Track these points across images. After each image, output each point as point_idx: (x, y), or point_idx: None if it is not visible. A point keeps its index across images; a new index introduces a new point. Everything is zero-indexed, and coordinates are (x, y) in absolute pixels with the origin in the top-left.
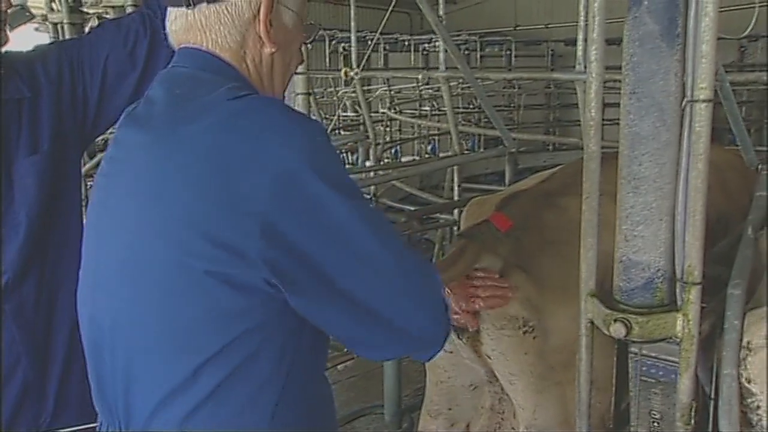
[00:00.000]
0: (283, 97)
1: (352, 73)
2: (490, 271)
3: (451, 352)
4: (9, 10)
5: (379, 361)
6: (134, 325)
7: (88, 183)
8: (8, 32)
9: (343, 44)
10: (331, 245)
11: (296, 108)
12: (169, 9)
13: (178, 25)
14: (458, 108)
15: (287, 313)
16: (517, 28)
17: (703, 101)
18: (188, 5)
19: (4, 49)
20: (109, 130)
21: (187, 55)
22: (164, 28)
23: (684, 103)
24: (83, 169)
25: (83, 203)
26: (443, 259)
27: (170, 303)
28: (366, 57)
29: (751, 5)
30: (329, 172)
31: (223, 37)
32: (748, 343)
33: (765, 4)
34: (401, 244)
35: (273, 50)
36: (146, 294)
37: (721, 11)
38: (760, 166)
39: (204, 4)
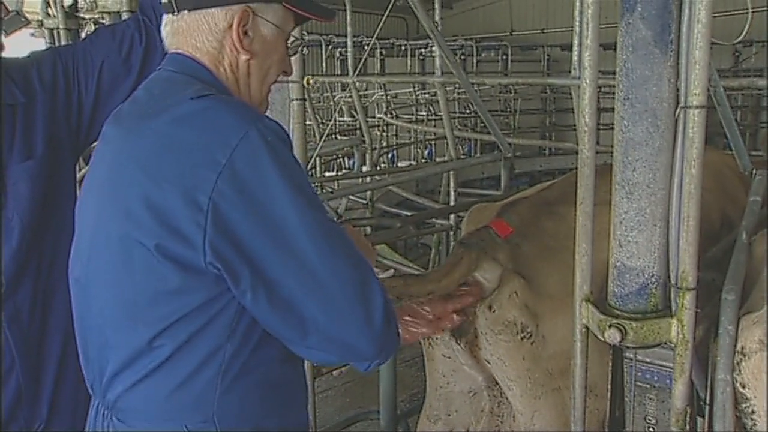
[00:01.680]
0: (267, 102)
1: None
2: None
3: (450, 358)
4: (5, 17)
5: (320, 365)
6: (100, 297)
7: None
8: (3, 39)
9: (339, 49)
10: (273, 245)
11: (291, 113)
12: (163, 14)
13: (167, 30)
14: (454, 113)
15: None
16: (513, 33)
17: (697, 107)
18: (172, 12)
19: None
20: None
21: (172, 60)
22: (159, 34)
23: (678, 109)
24: (78, 175)
25: None
26: (441, 266)
27: (125, 278)
28: (362, 62)
29: (745, 10)
30: (278, 174)
31: (201, 42)
32: (742, 348)
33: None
34: (346, 254)
35: (247, 58)
36: (106, 268)
37: (715, 16)
38: (754, 171)
39: (186, 12)
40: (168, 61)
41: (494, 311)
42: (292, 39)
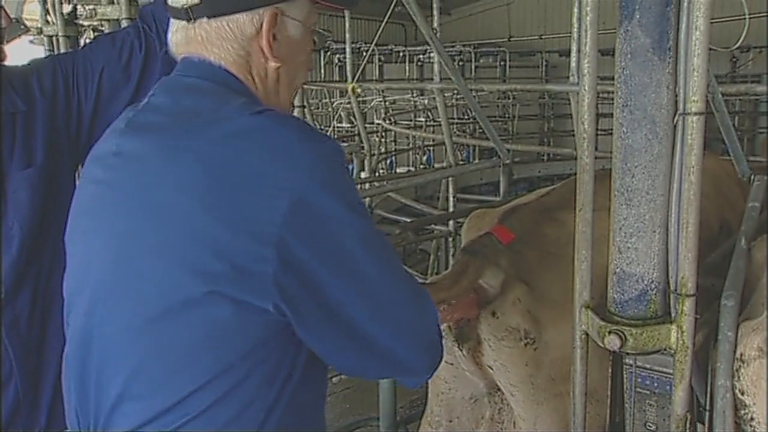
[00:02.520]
0: (292, 107)
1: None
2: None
3: (452, 364)
4: (6, 26)
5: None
6: (124, 343)
7: None
8: (5, 47)
9: (338, 55)
10: (339, 273)
11: None
12: (171, 20)
13: (178, 37)
14: (453, 119)
15: (284, 335)
16: (511, 39)
17: (695, 114)
18: (189, 19)
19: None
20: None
21: (191, 65)
22: (159, 42)
23: (676, 116)
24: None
25: None
26: (447, 274)
27: (165, 324)
28: (361, 68)
29: (742, 17)
30: (340, 197)
31: (226, 51)
32: (741, 354)
33: (756, 15)
34: (400, 270)
35: (277, 65)
36: (139, 312)
37: (713, 22)
38: (752, 177)
39: (204, 20)
40: (186, 66)
41: (498, 317)
42: (314, 30)
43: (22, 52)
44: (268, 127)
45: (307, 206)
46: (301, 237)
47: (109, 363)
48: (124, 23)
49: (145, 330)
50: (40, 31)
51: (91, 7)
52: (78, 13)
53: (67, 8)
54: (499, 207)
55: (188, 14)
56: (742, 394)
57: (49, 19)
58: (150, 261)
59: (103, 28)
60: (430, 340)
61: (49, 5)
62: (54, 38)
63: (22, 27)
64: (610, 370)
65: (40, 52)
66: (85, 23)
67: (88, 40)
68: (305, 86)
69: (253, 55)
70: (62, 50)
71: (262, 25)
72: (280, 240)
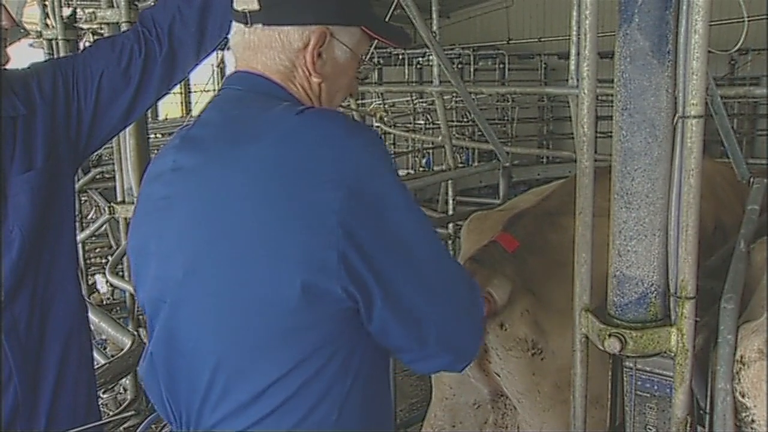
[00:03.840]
0: None
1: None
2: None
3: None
4: (9, 29)
5: (423, 374)
6: (209, 341)
7: (82, 198)
8: (7, 51)
9: None
10: (395, 256)
11: None
12: (233, 22)
13: (236, 40)
14: (452, 121)
15: (353, 327)
16: (510, 42)
17: (695, 117)
18: (246, 23)
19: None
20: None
21: (238, 78)
22: (159, 46)
23: (676, 119)
24: (77, 185)
25: (76, 219)
26: None
27: (243, 318)
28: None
29: (741, 19)
30: (391, 184)
31: (272, 60)
32: (741, 357)
33: (755, 17)
34: (450, 258)
35: (319, 81)
36: (220, 309)
37: (711, 25)
38: (751, 179)
39: (260, 26)
40: (235, 80)
41: (506, 329)
42: (363, 61)
43: (21, 55)
44: (313, 124)
45: (360, 192)
46: (359, 220)
47: (198, 359)
48: (124, 27)
49: (227, 325)
50: (39, 35)
51: (90, 10)
52: (77, 16)
53: (66, 12)
54: (498, 208)
55: (246, 18)
56: (743, 396)
57: (48, 22)
58: (225, 264)
59: (103, 32)
60: (478, 320)
61: (48, 9)
62: (53, 41)
63: (22, 30)
64: (610, 373)
65: (39, 55)
66: (85, 27)
67: (87, 44)
68: None
69: (298, 68)
70: (62, 54)
71: (309, 41)
72: (340, 226)
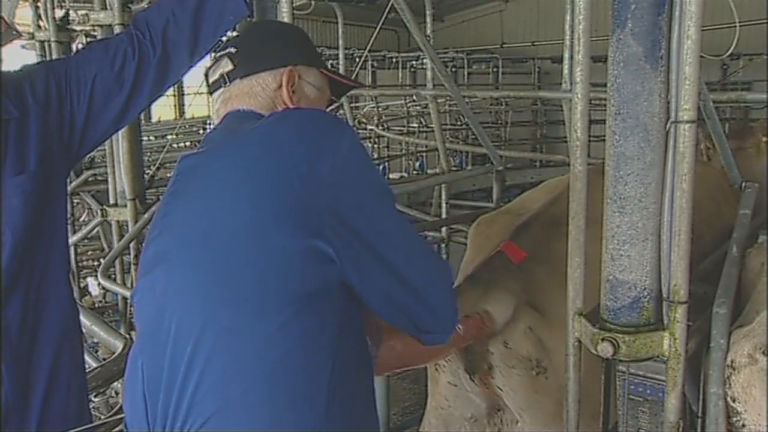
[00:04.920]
0: None
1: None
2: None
3: (455, 385)
4: (4, 31)
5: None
6: (202, 311)
7: (74, 201)
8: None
9: (331, 61)
10: (372, 220)
11: None
12: (213, 94)
13: (219, 104)
14: (446, 125)
15: (341, 293)
16: (504, 46)
17: (687, 122)
18: (225, 83)
19: None
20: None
21: (230, 116)
22: (152, 50)
23: (668, 124)
24: (69, 187)
25: (68, 221)
26: None
27: (253, 278)
28: (354, 74)
29: (732, 24)
30: (368, 167)
31: (256, 101)
32: (732, 362)
33: (746, 23)
34: (421, 241)
35: None
36: (218, 281)
37: (703, 30)
38: (743, 184)
39: (237, 80)
40: (228, 119)
41: (509, 347)
42: (329, 97)
43: (13, 57)
44: (296, 113)
45: (344, 164)
46: (344, 187)
47: (181, 335)
48: (117, 29)
49: (211, 295)
50: (32, 36)
51: (83, 12)
52: (70, 18)
53: (59, 13)
54: (505, 209)
55: (224, 79)
56: (734, 401)
57: (41, 24)
58: (212, 238)
59: (96, 34)
60: (452, 292)
61: (41, 10)
62: (46, 43)
63: (14, 32)
64: (603, 377)
65: (31, 57)
66: (78, 28)
67: (80, 46)
68: None
69: (278, 104)
70: (54, 56)
71: (282, 80)
72: (326, 193)
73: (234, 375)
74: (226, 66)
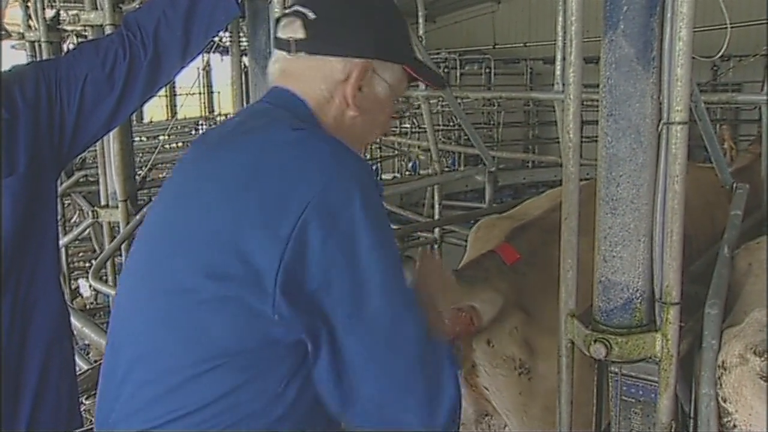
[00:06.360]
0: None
1: None
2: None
3: None
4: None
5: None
6: (137, 322)
7: (65, 202)
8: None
9: None
10: (348, 292)
11: None
12: (274, 50)
13: (276, 67)
14: (438, 126)
15: (288, 353)
16: (496, 47)
17: (679, 123)
18: (289, 51)
19: None
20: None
21: (274, 93)
22: (144, 50)
23: (660, 125)
24: (60, 188)
25: (59, 223)
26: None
27: (169, 303)
28: None
29: (723, 26)
30: (366, 218)
31: (311, 87)
32: (723, 362)
33: (737, 24)
34: (420, 328)
35: (355, 114)
36: (164, 289)
37: (695, 31)
38: (734, 185)
39: (303, 54)
40: (270, 94)
41: (493, 346)
42: (400, 99)
43: (3, 57)
44: (308, 138)
45: (329, 211)
46: (319, 240)
47: (123, 343)
48: (108, 29)
49: (154, 306)
50: (22, 37)
51: (74, 12)
52: (61, 18)
53: (49, 13)
54: (507, 214)
55: (290, 46)
56: (725, 401)
57: (31, 24)
58: (174, 258)
59: (87, 34)
60: (433, 417)
61: (31, 10)
62: (36, 44)
63: (4, 32)
64: (595, 378)
65: (21, 57)
66: (68, 29)
67: (71, 46)
68: None
69: (336, 99)
70: (45, 56)
71: (351, 73)
72: (295, 237)
73: (156, 409)
74: (297, 31)
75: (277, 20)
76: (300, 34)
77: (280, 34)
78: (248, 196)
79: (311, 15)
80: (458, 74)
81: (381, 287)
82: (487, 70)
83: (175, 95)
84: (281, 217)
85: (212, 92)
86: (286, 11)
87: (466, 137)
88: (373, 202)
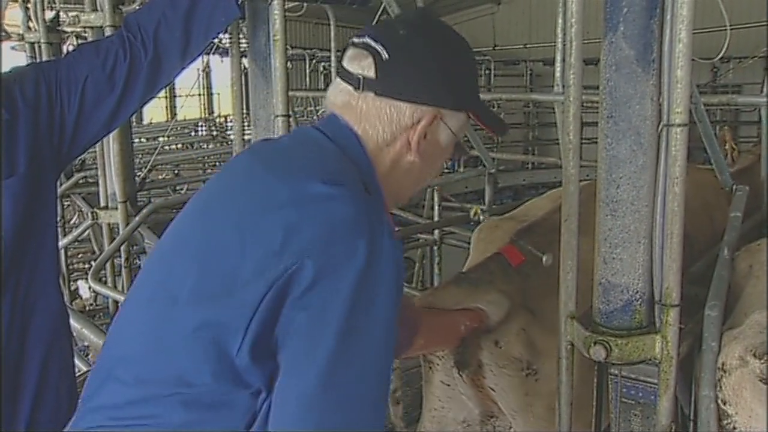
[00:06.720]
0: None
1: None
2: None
3: (448, 385)
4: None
5: None
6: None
7: (65, 203)
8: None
9: (323, 63)
10: (309, 359)
11: (276, 129)
12: (337, 78)
13: (339, 98)
14: None
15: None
16: (496, 48)
17: (679, 125)
18: (356, 87)
19: None
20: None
21: (333, 124)
22: (144, 51)
23: (660, 127)
24: (60, 190)
25: (58, 224)
26: (430, 292)
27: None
28: None
29: (723, 28)
30: (353, 294)
31: (374, 130)
32: (723, 364)
33: (736, 26)
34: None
35: (414, 159)
36: (142, 297)
37: (695, 33)
38: (734, 187)
39: (371, 94)
40: (329, 121)
41: (500, 347)
42: (459, 142)
43: (2, 58)
44: (334, 198)
45: (317, 278)
46: (298, 300)
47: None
48: (108, 31)
49: (148, 311)
50: (21, 38)
51: (74, 13)
52: (61, 19)
53: (49, 15)
54: (509, 215)
55: (358, 83)
56: (725, 404)
57: (31, 25)
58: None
59: (87, 36)
60: None
61: (31, 11)
62: (36, 45)
63: (3, 33)
64: (595, 380)
65: (21, 58)
66: (68, 30)
67: (71, 48)
68: (290, 94)
69: (398, 143)
70: (44, 57)
71: (420, 120)
72: (276, 289)
73: (126, 410)
74: (368, 69)
75: (346, 48)
76: (370, 72)
77: (348, 66)
78: (258, 231)
79: (385, 54)
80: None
81: (340, 367)
82: (487, 72)
83: (174, 96)
84: (276, 262)
85: (212, 94)
86: (356, 41)
87: (465, 138)
88: (376, 278)
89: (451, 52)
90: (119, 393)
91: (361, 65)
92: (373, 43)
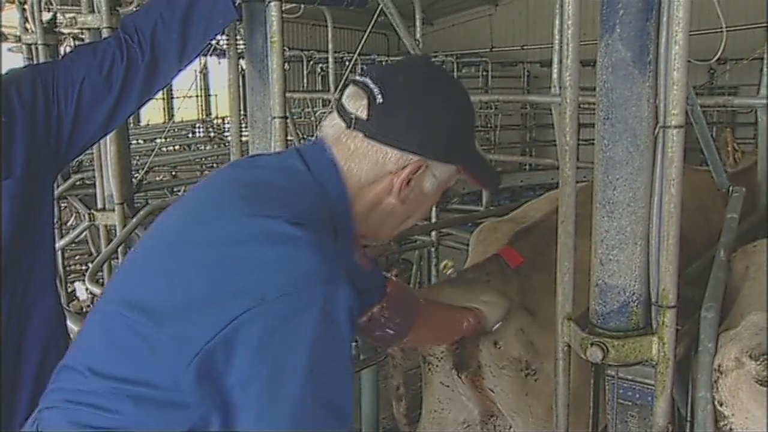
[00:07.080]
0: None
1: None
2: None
3: (448, 386)
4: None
5: None
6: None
7: (62, 205)
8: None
9: (320, 65)
10: (257, 413)
11: (273, 131)
12: (334, 112)
13: (331, 132)
14: None
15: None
16: (493, 50)
17: (675, 127)
18: (348, 126)
19: None
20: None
21: (320, 154)
22: (141, 53)
23: (657, 128)
24: (57, 191)
25: (55, 225)
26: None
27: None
28: (344, 78)
29: (719, 29)
30: (310, 343)
31: (359, 169)
32: (719, 365)
33: (733, 28)
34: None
35: (396, 204)
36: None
37: (691, 35)
38: (731, 188)
39: (360, 135)
40: (313, 151)
41: (500, 347)
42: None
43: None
44: (297, 242)
45: (273, 324)
46: (249, 346)
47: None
48: (105, 32)
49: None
50: (18, 39)
51: (71, 15)
52: (58, 21)
53: (46, 16)
54: (508, 217)
55: (350, 122)
56: (721, 405)
57: (28, 26)
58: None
59: (84, 37)
60: None
61: (28, 13)
62: (33, 46)
63: (0, 35)
64: (592, 382)
65: (18, 60)
66: (65, 32)
67: (68, 49)
68: (288, 96)
69: (381, 186)
70: (41, 59)
71: (405, 167)
72: (228, 331)
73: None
74: (361, 110)
75: (347, 85)
76: (363, 113)
77: (345, 103)
78: (219, 265)
79: (379, 98)
80: (456, 77)
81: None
82: (485, 73)
83: (172, 98)
84: (234, 300)
85: (209, 95)
86: (357, 79)
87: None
88: (333, 326)
89: (447, 103)
90: (73, 380)
91: (356, 105)
92: (371, 85)
